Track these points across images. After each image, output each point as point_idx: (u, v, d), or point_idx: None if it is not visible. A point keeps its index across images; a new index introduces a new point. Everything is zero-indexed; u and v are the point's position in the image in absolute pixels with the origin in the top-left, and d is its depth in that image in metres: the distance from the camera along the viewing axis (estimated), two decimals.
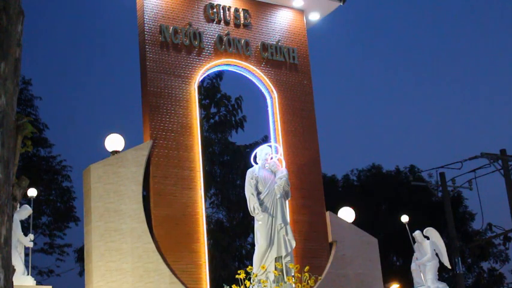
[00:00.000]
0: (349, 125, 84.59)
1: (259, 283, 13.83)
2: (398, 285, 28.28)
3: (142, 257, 14.30)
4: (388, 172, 37.63)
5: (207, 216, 15.59)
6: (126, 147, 15.01)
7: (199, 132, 15.99)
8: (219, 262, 21.89)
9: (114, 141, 14.92)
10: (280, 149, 16.11)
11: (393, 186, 35.70)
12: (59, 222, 27.80)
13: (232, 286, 13.88)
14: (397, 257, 34.78)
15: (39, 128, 26.20)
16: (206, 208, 15.84)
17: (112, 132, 15.04)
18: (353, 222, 17.18)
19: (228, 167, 26.07)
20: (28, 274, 12.96)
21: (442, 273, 21.34)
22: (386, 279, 22.41)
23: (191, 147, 15.73)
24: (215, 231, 23.96)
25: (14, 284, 7.69)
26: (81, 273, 28.39)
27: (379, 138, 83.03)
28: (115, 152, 14.84)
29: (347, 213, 17.27)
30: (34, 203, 13.64)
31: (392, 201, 34.87)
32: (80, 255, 27.95)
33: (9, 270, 7.61)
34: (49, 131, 27.77)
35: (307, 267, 14.17)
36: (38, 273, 26.64)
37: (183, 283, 14.54)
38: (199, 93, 20.43)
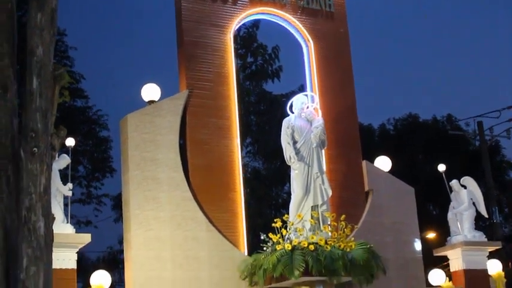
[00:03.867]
0: (385, 73, 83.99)
1: (296, 231, 13.88)
2: (434, 234, 28.29)
3: (180, 205, 14.42)
4: (425, 121, 37.34)
5: (244, 165, 15.64)
6: (162, 97, 15.04)
7: (235, 82, 15.96)
8: (256, 211, 22.00)
9: (150, 91, 14.95)
10: (316, 98, 16.03)
11: (430, 136, 35.45)
12: (96, 173, 28.08)
13: (269, 234, 13.98)
14: (433, 206, 34.70)
15: (75, 78, 26.33)
16: (243, 157, 15.87)
17: (148, 82, 15.06)
18: (389, 172, 17.11)
19: (264, 116, 26.05)
20: (67, 222, 13.15)
21: (479, 222, 21.22)
22: (423, 228, 22.44)
23: (227, 97, 15.71)
24: (251, 180, 24.05)
25: (54, 231, 7.80)
26: (117, 220, 28.78)
27: (416, 87, 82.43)
28: (151, 102, 14.88)
29: (383, 162, 17.19)
30: (72, 153, 13.77)
31: (429, 151, 34.66)
32: (116, 203, 28.30)
33: (49, 218, 7.73)
34: (85, 82, 27.91)
35: (343, 216, 14.20)
36: (77, 222, 27.03)
37: (220, 231, 14.66)
38: (236, 42, 20.31)
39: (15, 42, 8.22)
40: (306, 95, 15.62)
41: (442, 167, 16.82)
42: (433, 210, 34.77)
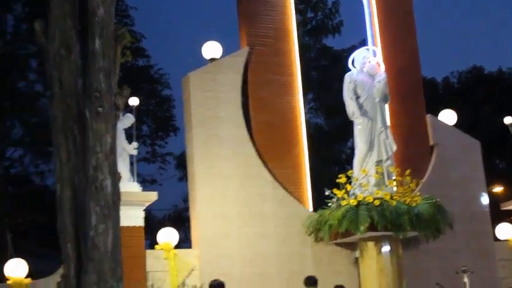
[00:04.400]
0: (448, 25, 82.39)
1: (360, 187, 13.83)
2: (501, 188, 27.87)
3: (243, 162, 14.47)
4: (490, 73, 36.58)
5: (306, 121, 15.55)
6: (223, 55, 15.02)
7: (296, 38, 15.84)
8: (319, 167, 21.96)
9: (211, 49, 14.94)
10: (378, 52, 15.82)
11: (495, 88, 34.75)
12: (160, 131, 28.31)
13: (333, 190, 13.95)
14: (499, 160, 34.14)
15: (136, 38, 26.45)
16: (305, 113, 15.80)
17: (209, 40, 15.05)
18: (454, 125, 16.86)
19: (325, 72, 25.88)
20: (134, 181, 13.31)
21: None
22: (490, 182, 22.09)
23: (288, 53, 15.62)
24: (314, 136, 23.98)
25: (120, 190, 7.89)
26: (181, 178, 29.03)
27: (480, 39, 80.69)
28: (213, 60, 14.87)
29: (448, 116, 16.93)
30: (135, 112, 13.88)
31: (494, 103, 33.99)
32: (180, 162, 28.52)
33: (116, 177, 7.80)
34: (146, 41, 28.00)
35: (408, 171, 14.08)
36: (142, 181, 27.35)
37: (284, 188, 14.68)
38: None
39: (76, 3, 8.26)
40: (368, 49, 15.44)
41: (508, 120, 16.49)
42: (499, 164, 34.22)
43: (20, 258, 11.55)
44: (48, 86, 8.15)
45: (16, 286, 10.91)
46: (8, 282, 11.05)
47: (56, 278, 9.53)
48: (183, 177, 27.65)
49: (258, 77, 15.16)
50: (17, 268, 11.19)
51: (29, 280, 11.11)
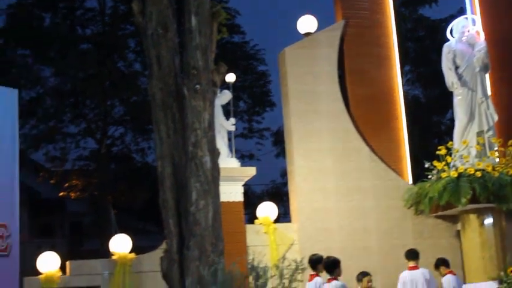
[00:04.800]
0: None
1: (461, 158, 13.57)
2: None
3: (342, 136, 14.39)
4: None
5: (404, 94, 15.32)
6: (318, 29, 14.93)
7: (391, 9, 15.58)
8: (418, 139, 21.65)
9: (306, 23, 14.86)
10: (478, 21, 15.41)
11: None
12: (256, 107, 28.44)
13: (433, 162, 13.74)
14: None
15: (231, 14, 26.55)
16: (402, 85, 15.57)
17: (304, 14, 14.97)
18: None
19: (422, 42, 25.42)
20: (232, 157, 13.41)
21: None
22: None
23: (384, 24, 15.39)
24: (412, 108, 23.62)
25: (219, 165, 7.97)
26: (278, 154, 29.11)
27: None
28: (308, 34, 14.80)
29: None
30: (232, 88, 13.96)
31: None
32: (277, 138, 28.62)
33: (215, 153, 7.88)
34: (241, 17, 28.08)
35: (511, 141, 13.72)
36: (240, 156, 27.57)
37: (383, 161, 14.54)
38: None
39: None
40: (467, 18, 15.05)
41: None
42: None
43: (123, 234, 11.83)
44: (146, 65, 8.29)
45: (121, 261, 11.18)
46: (113, 257, 11.34)
47: (158, 253, 9.72)
48: (280, 153, 27.74)
49: (354, 50, 15.01)
50: (121, 244, 11.47)
51: (132, 255, 11.37)
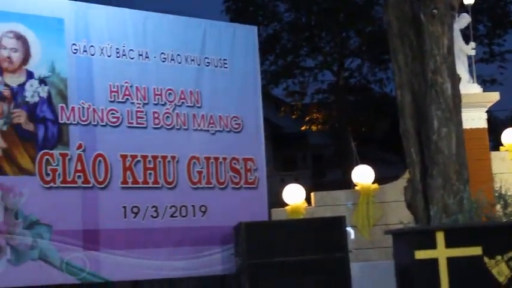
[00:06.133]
0: None
1: None
2: None
3: None
4: None
5: None
6: None
7: None
8: None
9: None
10: None
11: None
12: (497, 29, 27.25)
13: None
14: None
15: None
16: None
17: None
18: None
19: None
20: (473, 82, 12.98)
21: None
22: None
23: None
24: None
25: (460, 92, 7.77)
26: None
27: None
28: None
29: None
30: (471, 11, 13.43)
31: None
32: None
33: (455, 79, 7.69)
34: None
35: None
36: (481, 82, 26.64)
37: None
38: None
39: None
40: None
41: None
42: None
43: (365, 165, 11.88)
44: None
45: (364, 191, 11.24)
46: (356, 187, 11.45)
47: (401, 182, 9.69)
48: None
49: None
50: (363, 174, 11.52)
51: (375, 186, 11.40)
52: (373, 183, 11.47)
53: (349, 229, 10.61)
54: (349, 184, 12.21)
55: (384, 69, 25.26)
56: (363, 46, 24.93)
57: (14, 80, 8.92)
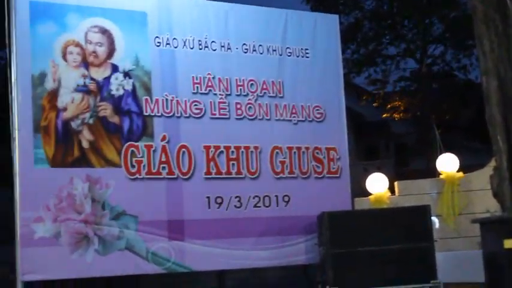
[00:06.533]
0: None
1: None
2: None
3: None
4: None
5: None
6: None
7: None
8: None
9: None
10: None
11: None
12: None
13: None
14: None
15: None
16: None
17: None
18: None
19: None
20: None
21: None
22: None
23: None
24: None
25: None
26: None
27: None
28: None
29: None
30: None
31: None
32: None
33: None
34: None
35: None
36: None
37: None
38: None
39: None
40: None
41: None
42: None
43: (450, 153, 11.69)
44: None
45: (449, 180, 11.07)
46: (441, 176, 11.28)
47: (487, 171, 9.50)
48: None
49: None
50: (448, 162, 11.35)
51: (461, 174, 11.21)
52: (458, 171, 11.29)
53: (434, 218, 10.46)
54: (432, 173, 12.04)
55: (468, 56, 24.76)
56: (447, 32, 24.48)
57: (99, 74, 9.10)
